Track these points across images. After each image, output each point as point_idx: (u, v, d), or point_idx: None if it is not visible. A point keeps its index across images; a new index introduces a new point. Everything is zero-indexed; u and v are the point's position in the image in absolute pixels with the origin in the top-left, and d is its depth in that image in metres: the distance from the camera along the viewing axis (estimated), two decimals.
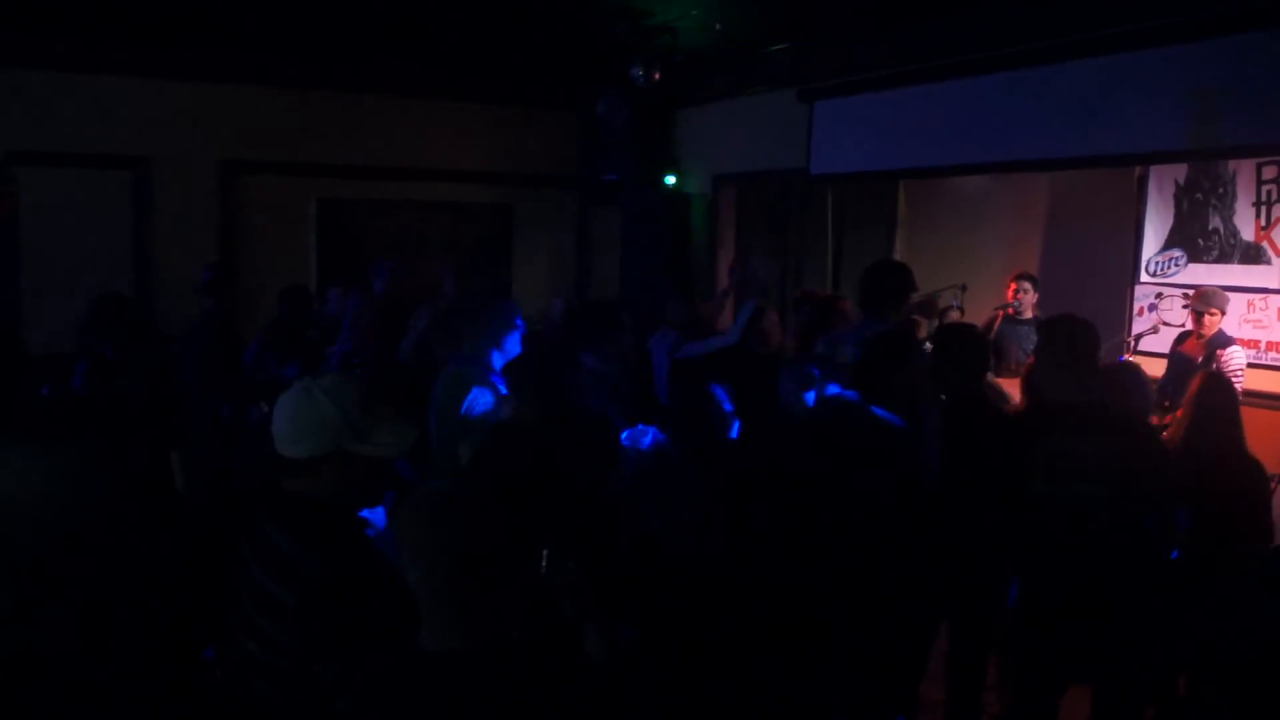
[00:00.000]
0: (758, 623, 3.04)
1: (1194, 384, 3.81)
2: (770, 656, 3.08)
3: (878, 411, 3.62)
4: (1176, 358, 5.82)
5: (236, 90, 7.97)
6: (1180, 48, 5.24)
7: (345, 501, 2.21)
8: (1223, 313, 5.69)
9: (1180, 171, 6.83)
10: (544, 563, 2.01)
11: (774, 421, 3.82)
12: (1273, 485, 4.12)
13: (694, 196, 8.82)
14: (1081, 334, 3.40)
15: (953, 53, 6.46)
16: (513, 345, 4.10)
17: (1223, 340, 5.66)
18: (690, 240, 8.81)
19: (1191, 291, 6.17)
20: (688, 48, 7.03)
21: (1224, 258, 6.64)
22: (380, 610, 2.01)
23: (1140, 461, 3.21)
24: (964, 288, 7.15)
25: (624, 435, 3.26)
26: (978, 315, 6.84)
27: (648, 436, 3.23)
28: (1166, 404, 5.18)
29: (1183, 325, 6.30)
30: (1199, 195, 6.77)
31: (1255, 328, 6.41)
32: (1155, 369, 5.68)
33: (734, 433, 3.79)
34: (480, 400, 3.94)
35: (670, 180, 8.79)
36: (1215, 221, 6.69)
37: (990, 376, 5.11)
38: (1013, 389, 5.69)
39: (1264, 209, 6.41)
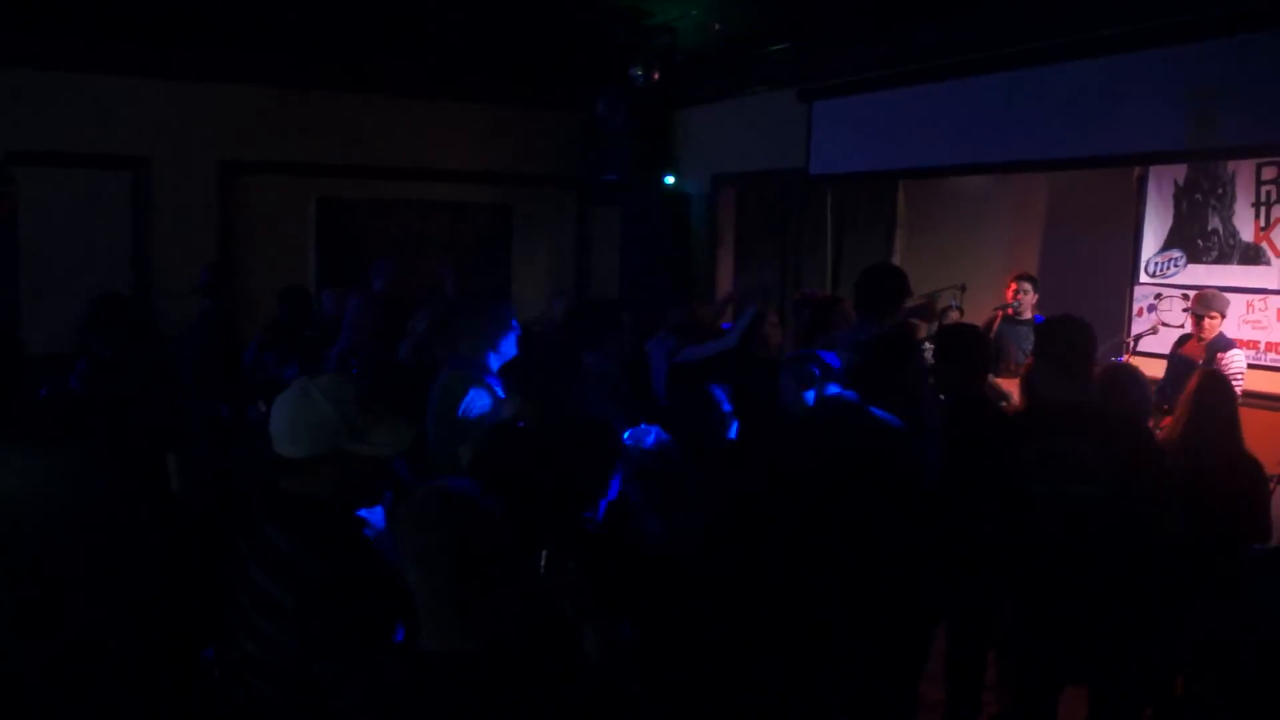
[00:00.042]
0: (757, 623, 3.04)
1: (1192, 383, 3.80)
2: (770, 656, 3.08)
3: (877, 412, 3.62)
4: (1177, 360, 5.82)
5: (236, 90, 7.96)
6: (1180, 48, 5.25)
7: (344, 501, 2.21)
8: (1223, 316, 5.69)
9: (1180, 172, 6.83)
10: (543, 563, 2.01)
11: (773, 422, 3.82)
12: (1272, 485, 4.12)
13: (693, 197, 8.82)
14: (1079, 335, 3.40)
15: (952, 53, 6.46)
16: (509, 347, 4.11)
17: (1223, 343, 5.66)
18: (690, 240, 8.81)
19: (1191, 293, 6.17)
20: (687, 48, 7.03)
21: (1223, 258, 6.64)
22: (379, 610, 2.01)
23: (1137, 462, 3.21)
24: (963, 288, 7.16)
25: (626, 435, 3.26)
26: (977, 315, 6.84)
27: (650, 436, 3.23)
28: (1166, 406, 5.18)
29: (1182, 326, 6.30)
30: (1198, 196, 6.77)
31: (1254, 328, 6.41)
32: (1154, 370, 5.69)
33: (732, 433, 3.80)
34: (478, 401, 3.94)
35: (670, 180, 8.80)
36: (1214, 222, 6.69)
37: (990, 376, 5.11)
38: (1013, 389, 5.70)
39: (1263, 210, 6.41)
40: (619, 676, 1.98)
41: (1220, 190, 6.63)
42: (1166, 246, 6.96)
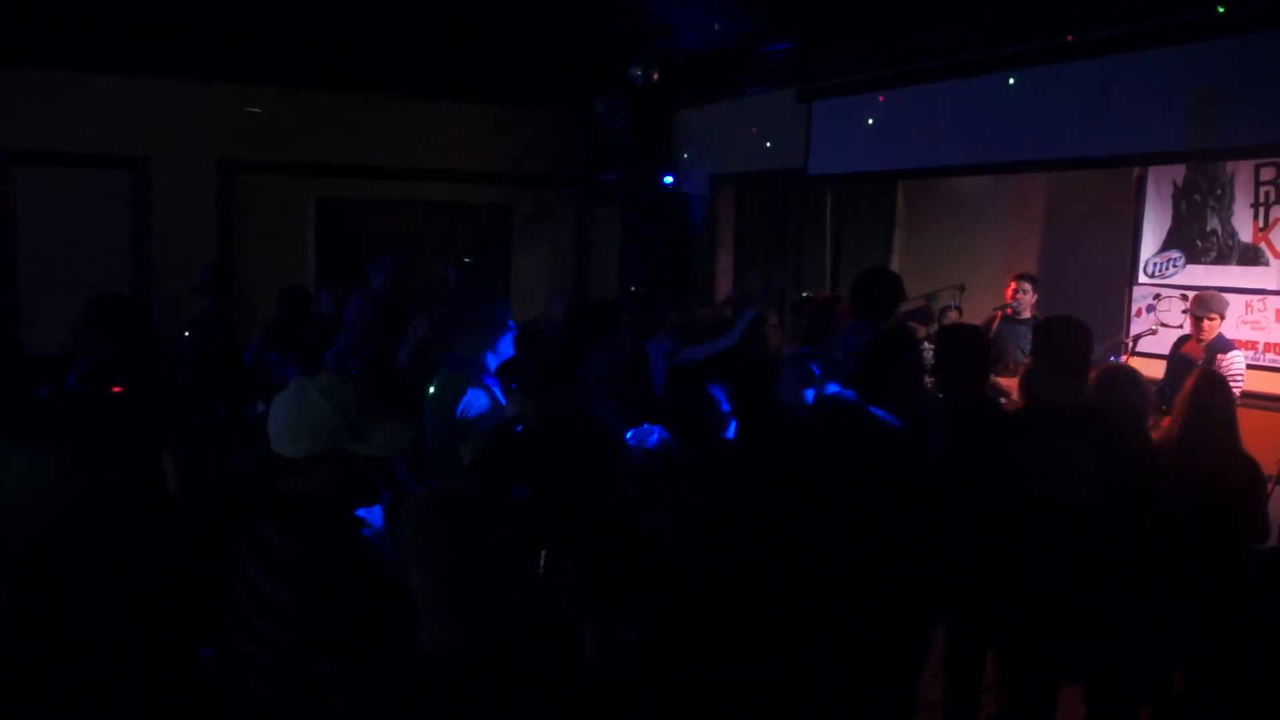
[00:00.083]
0: (757, 622, 3.04)
1: (1189, 384, 3.80)
2: (770, 656, 3.08)
3: (876, 412, 3.63)
4: (1176, 359, 5.82)
5: (235, 90, 7.96)
6: (1179, 48, 5.25)
7: (342, 501, 2.21)
8: (1222, 317, 5.69)
9: (1178, 172, 6.83)
10: (543, 563, 2.01)
11: (772, 422, 3.82)
12: (1270, 486, 4.12)
13: (692, 197, 8.83)
14: (1074, 335, 3.41)
15: (952, 53, 6.46)
16: (506, 346, 4.11)
17: (1223, 345, 5.66)
18: (689, 240, 8.82)
19: (1190, 293, 6.17)
20: (686, 48, 7.03)
21: (1222, 259, 6.64)
22: (378, 610, 2.01)
23: (1131, 463, 3.22)
24: (962, 288, 7.17)
25: (629, 435, 3.26)
26: (976, 315, 6.85)
27: (653, 436, 3.23)
28: (1165, 406, 5.18)
29: (1180, 327, 6.30)
30: (1197, 196, 6.77)
31: (1253, 329, 6.41)
32: (1153, 370, 5.69)
33: (730, 433, 3.80)
34: (475, 402, 3.94)
35: (669, 180, 8.80)
36: (1213, 223, 6.69)
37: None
38: (1013, 388, 5.70)
39: (1262, 210, 6.41)
40: (619, 676, 1.98)
41: (1219, 191, 6.63)
42: (1165, 247, 6.95)
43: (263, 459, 2.24)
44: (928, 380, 4.44)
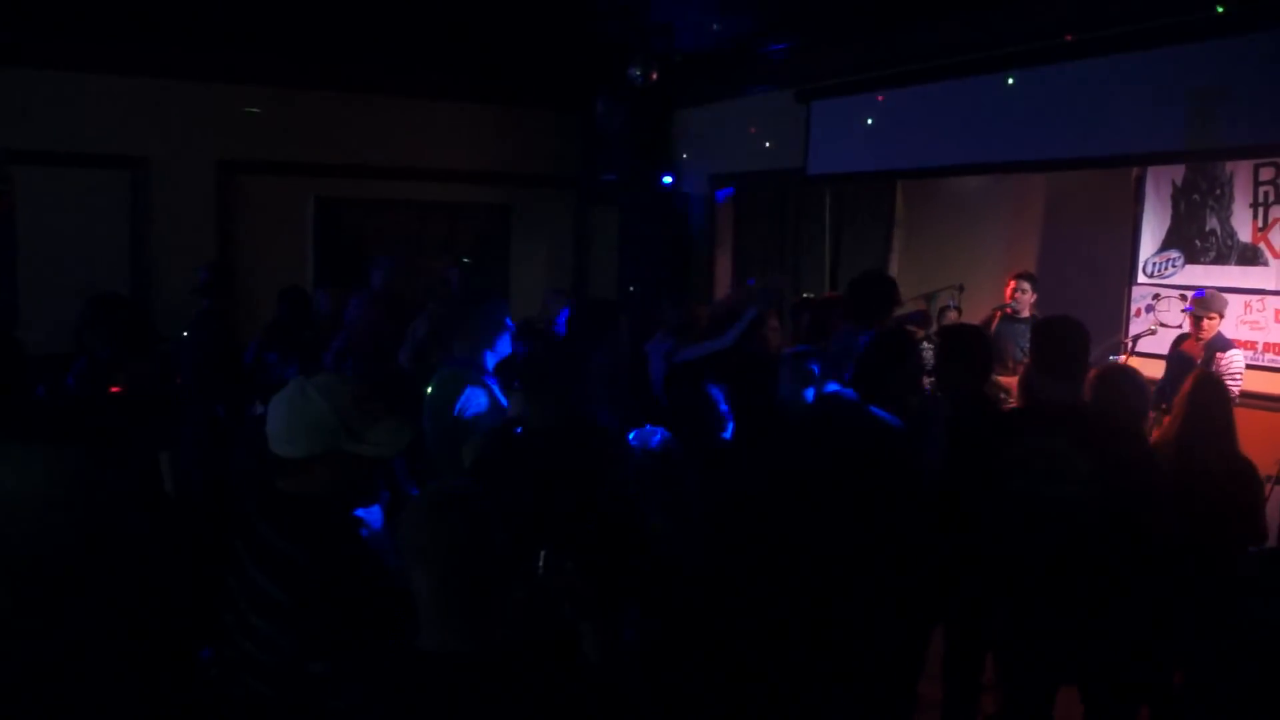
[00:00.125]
0: (757, 622, 3.04)
1: (1187, 384, 3.80)
2: (769, 656, 3.08)
3: (876, 411, 3.62)
4: (1176, 358, 5.83)
5: (235, 90, 7.96)
6: (1178, 48, 5.25)
7: (340, 501, 2.21)
8: (1221, 316, 5.70)
9: (1178, 172, 6.83)
10: (542, 563, 2.01)
11: (771, 421, 3.82)
12: (1268, 487, 4.12)
13: (692, 197, 8.82)
14: (1072, 335, 3.41)
15: (951, 53, 6.46)
16: (504, 345, 4.11)
17: (1222, 343, 5.66)
18: (688, 240, 8.81)
19: (1189, 293, 6.17)
20: (685, 48, 7.03)
21: (1221, 259, 6.63)
22: (376, 609, 2.01)
23: (1126, 464, 3.21)
24: (961, 288, 7.16)
25: (632, 436, 3.26)
26: (975, 315, 6.85)
27: (656, 436, 3.23)
28: (1164, 406, 5.18)
29: (1180, 326, 6.30)
30: (1196, 196, 6.77)
31: (1252, 329, 6.41)
32: (1153, 370, 5.68)
33: (728, 433, 3.79)
34: (474, 402, 3.94)
35: (668, 180, 8.80)
36: (1212, 223, 6.69)
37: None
38: (1012, 387, 5.70)
39: (1261, 210, 6.41)
40: (619, 676, 1.98)
41: (1218, 191, 6.63)
42: (1164, 247, 6.95)
43: (262, 459, 2.25)
44: (928, 380, 4.44)
